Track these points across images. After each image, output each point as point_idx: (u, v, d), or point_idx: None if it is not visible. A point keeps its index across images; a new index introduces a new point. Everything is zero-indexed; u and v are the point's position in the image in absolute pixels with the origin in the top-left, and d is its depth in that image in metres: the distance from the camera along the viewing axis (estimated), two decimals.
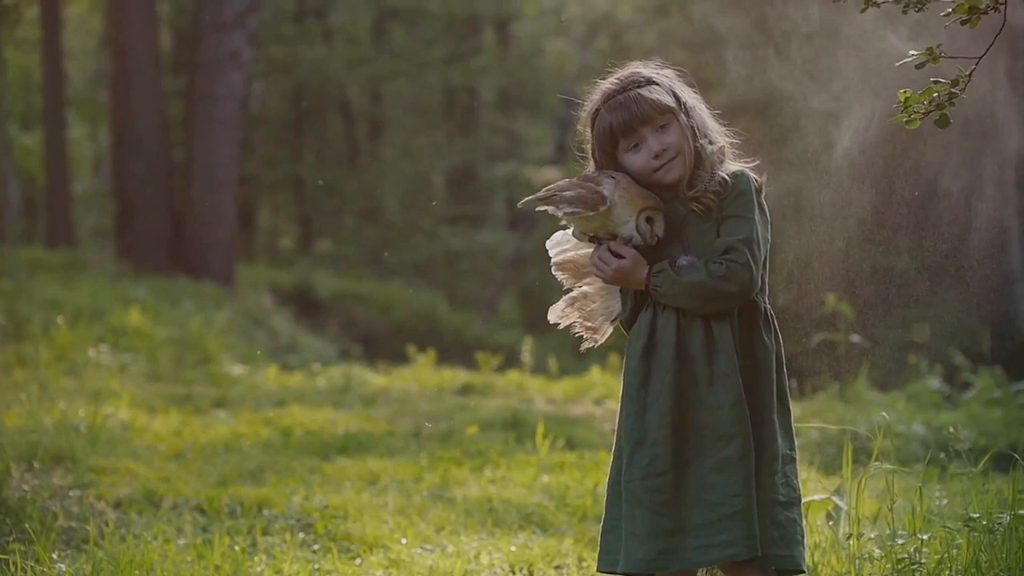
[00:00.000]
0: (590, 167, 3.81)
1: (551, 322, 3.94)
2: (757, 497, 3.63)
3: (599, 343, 3.92)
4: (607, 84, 3.78)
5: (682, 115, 3.73)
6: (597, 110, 3.77)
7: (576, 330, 3.93)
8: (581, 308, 3.92)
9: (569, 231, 3.84)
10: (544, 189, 3.78)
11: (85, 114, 26.51)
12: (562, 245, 3.91)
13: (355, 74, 26.10)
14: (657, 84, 3.74)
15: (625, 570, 3.69)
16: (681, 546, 3.63)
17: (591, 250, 3.80)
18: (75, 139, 24.91)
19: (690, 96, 3.79)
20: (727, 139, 3.80)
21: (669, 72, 3.81)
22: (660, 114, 3.71)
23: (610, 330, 3.90)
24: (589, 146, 3.82)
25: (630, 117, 3.70)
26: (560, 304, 3.94)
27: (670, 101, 3.72)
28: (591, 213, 3.68)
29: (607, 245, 3.73)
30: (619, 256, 3.71)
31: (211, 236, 19.11)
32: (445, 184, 28.56)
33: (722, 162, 3.74)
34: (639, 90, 3.72)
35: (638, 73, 3.77)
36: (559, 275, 3.93)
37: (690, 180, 3.71)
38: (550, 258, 3.94)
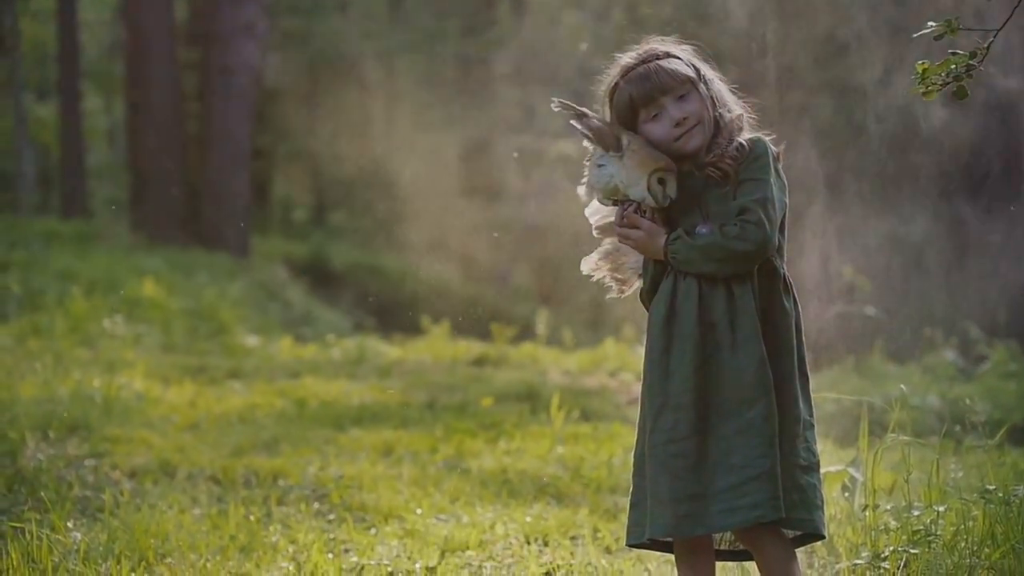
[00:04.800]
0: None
1: (584, 272, 3.96)
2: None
3: (625, 295, 3.94)
4: (626, 58, 3.80)
5: (701, 85, 3.75)
6: (616, 84, 3.78)
7: (606, 281, 3.95)
8: (614, 261, 3.93)
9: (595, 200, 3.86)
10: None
11: (100, 86, 26.47)
12: (601, 211, 3.92)
13: (370, 46, 26.03)
14: (676, 56, 3.77)
15: (651, 535, 3.69)
16: (704, 510, 3.62)
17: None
18: (90, 111, 24.87)
19: (708, 69, 3.81)
20: (745, 111, 3.81)
21: (688, 47, 3.84)
22: (680, 84, 3.72)
23: (637, 284, 3.91)
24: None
25: (651, 87, 3.72)
26: (594, 256, 3.95)
27: (690, 71, 3.75)
28: (598, 146, 3.74)
29: (625, 214, 3.73)
30: (635, 227, 3.72)
31: (225, 207, 19.14)
32: (460, 156, 28.49)
33: (740, 130, 3.76)
34: (658, 62, 3.75)
35: (656, 47, 3.80)
36: (601, 237, 3.95)
37: (709, 148, 3.74)
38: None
